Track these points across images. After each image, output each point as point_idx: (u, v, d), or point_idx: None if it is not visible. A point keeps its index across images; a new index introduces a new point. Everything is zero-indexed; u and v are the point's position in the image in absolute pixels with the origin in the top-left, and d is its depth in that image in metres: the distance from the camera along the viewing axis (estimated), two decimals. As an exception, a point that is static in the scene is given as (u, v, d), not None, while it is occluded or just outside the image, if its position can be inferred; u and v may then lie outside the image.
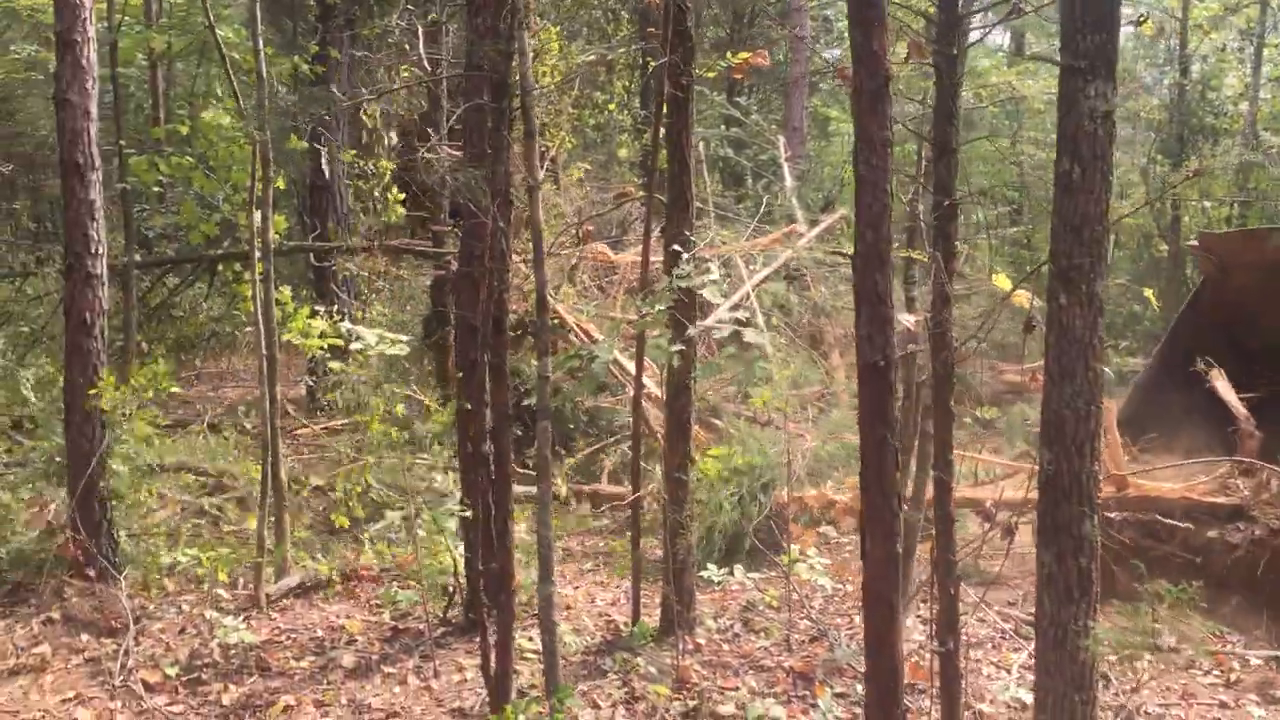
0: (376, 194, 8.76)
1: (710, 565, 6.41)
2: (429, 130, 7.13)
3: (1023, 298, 4.35)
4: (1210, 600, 5.79)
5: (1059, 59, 3.44)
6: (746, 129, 13.06)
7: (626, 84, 14.07)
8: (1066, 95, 3.32)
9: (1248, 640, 5.75)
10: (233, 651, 5.53)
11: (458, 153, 5.23)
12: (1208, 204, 17.50)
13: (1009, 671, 5.35)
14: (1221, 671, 5.46)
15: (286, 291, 6.59)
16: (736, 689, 5.16)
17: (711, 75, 6.61)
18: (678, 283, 4.80)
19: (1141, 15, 12.17)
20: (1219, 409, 6.89)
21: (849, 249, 8.59)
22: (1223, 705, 5.12)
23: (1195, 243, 8.60)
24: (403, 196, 9.02)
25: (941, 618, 3.65)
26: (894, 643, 2.62)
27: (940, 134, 3.67)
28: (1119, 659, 5.30)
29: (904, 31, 3.83)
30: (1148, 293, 6.85)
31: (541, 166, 10.49)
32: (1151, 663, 5.54)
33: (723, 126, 13.59)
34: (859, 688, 4.98)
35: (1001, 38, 18.90)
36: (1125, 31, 19.16)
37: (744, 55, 5.90)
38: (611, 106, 12.81)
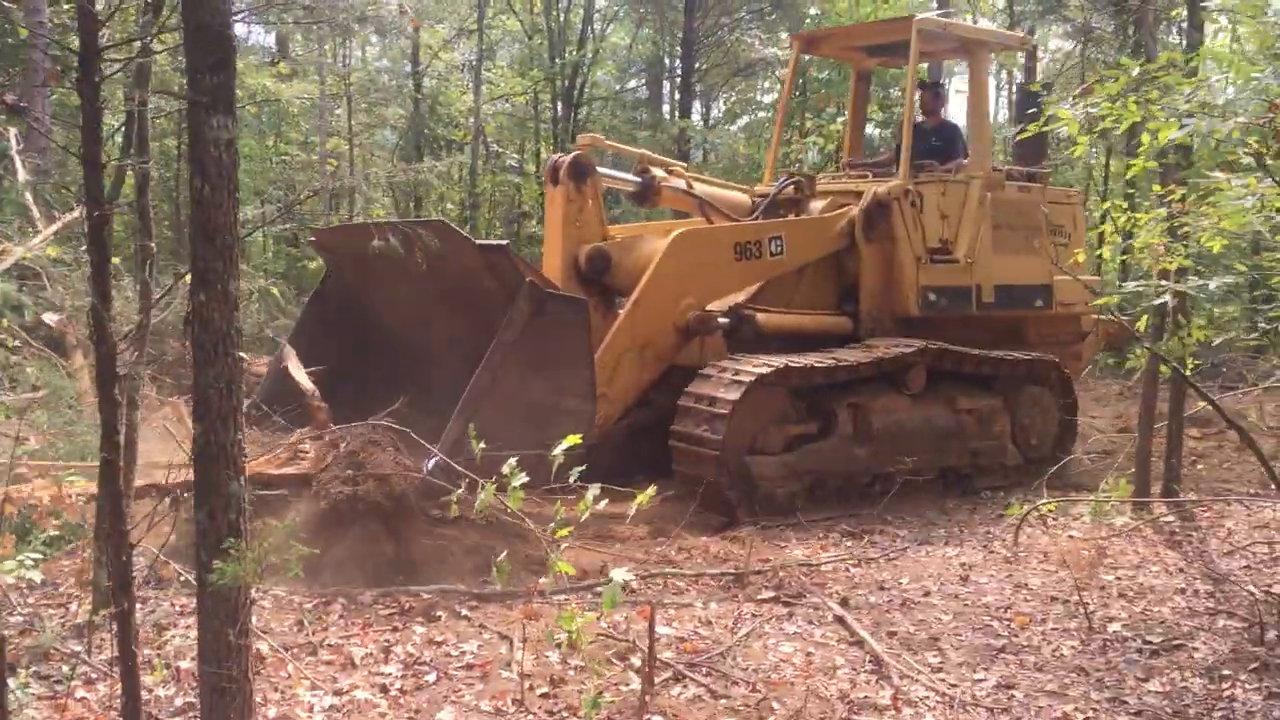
0: None
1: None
2: None
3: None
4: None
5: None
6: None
7: None
8: (194, 125, 3.71)
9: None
10: None
11: None
12: (450, 205, 19.76)
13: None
14: (398, 603, 6.55)
15: None
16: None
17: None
18: None
19: (276, 56, 13.30)
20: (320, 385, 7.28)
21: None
22: (394, 629, 6.18)
23: (314, 239, 9.00)
24: None
25: (115, 582, 4.09)
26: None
27: (90, 152, 4.04)
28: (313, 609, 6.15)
29: (42, 63, 4.15)
30: (274, 289, 7.57)
31: None
32: (343, 603, 6.50)
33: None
34: (64, 668, 5.27)
35: (266, 38, 19.23)
36: (373, 42, 20.79)
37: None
38: None
